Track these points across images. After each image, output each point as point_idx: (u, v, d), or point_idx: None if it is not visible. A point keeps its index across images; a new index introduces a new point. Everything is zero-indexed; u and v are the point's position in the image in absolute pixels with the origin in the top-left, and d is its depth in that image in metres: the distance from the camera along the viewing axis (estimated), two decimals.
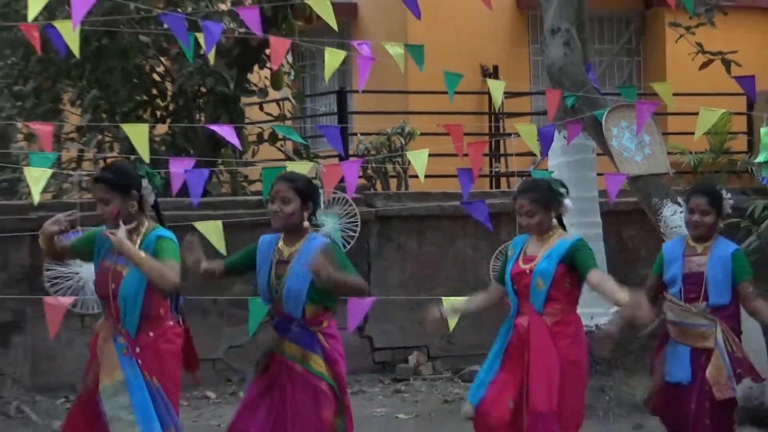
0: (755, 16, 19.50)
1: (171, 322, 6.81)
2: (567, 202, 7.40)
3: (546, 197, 7.27)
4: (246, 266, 7.28)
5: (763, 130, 10.49)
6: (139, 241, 6.75)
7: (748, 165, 16.24)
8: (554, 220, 7.34)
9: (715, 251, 7.45)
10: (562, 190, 7.43)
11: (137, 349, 6.55)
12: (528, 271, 7.08)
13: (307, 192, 7.08)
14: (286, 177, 7.38)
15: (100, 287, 6.87)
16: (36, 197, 9.75)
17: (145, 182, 6.80)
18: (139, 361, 6.51)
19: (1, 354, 13.63)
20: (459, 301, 7.74)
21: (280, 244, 7.03)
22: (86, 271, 9.13)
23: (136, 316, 6.55)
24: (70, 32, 9.30)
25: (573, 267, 7.08)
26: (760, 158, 10.64)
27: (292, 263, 6.89)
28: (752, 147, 16.80)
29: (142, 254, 6.58)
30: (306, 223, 7.06)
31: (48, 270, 8.88)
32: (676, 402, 7.34)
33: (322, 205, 7.28)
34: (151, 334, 6.64)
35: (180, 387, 6.90)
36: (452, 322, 9.34)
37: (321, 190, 7.54)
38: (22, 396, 12.68)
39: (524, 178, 14.77)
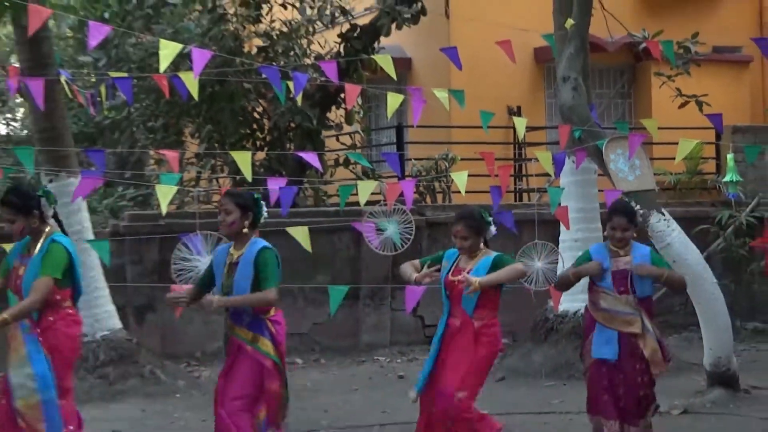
0: (722, 67, 19.34)
1: (71, 311, 6.73)
2: (492, 229, 7.40)
3: (478, 225, 7.24)
4: (211, 277, 7.13)
5: (729, 156, 10.47)
6: (39, 246, 6.66)
7: (717, 183, 16.22)
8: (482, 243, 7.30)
9: (635, 253, 7.45)
10: (490, 219, 7.40)
11: (38, 330, 6.47)
12: (458, 282, 7.00)
13: (245, 204, 7.00)
14: (228, 192, 7.46)
15: (9, 285, 6.78)
16: (164, 208, 9.81)
17: (43, 200, 6.73)
18: (40, 339, 6.43)
19: (138, 329, 13.73)
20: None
21: (231, 249, 6.95)
22: (204, 265, 9.14)
23: None
24: (191, 81, 9.35)
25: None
26: (726, 178, 10.64)
27: (239, 264, 6.82)
28: (720, 169, 16.72)
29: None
30: (246, 230, 6.93)
31: (175, 264, 8.86)
32: (605, 377, 7.26)
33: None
34: (51, 318, 6.56)
35: (73, 363, 6.86)
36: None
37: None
38: (154, 361, 12.70)
39: (541, 193, 14.78)
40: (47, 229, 6.69)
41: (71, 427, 6.63)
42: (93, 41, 10.10)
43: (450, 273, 7.14)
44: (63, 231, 6.89)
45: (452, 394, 6.89)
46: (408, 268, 7.39)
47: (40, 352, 6.42)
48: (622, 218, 7.44)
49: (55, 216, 6.92)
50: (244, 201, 6.99)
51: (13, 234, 6.79)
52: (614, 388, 7.22)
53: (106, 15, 16.21)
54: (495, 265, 7.09)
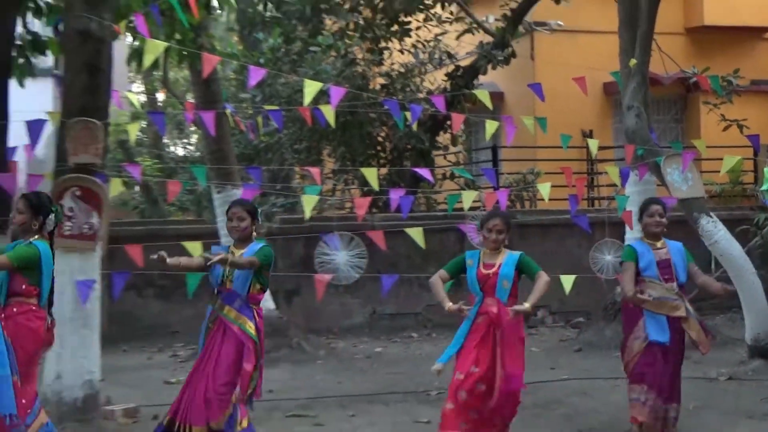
0: (759, 96, 18.97)
1: (34, 307, 6.39)
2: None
3: (510, 223, 6.97)
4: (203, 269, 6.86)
5: (765, 170, 10.34)
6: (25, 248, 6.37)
7: (755, 192, 15.91)
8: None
9: (670, 245, 7.10)
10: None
11: (2, 315, 6.17)
12: (492, 275, 6.68)
13: (254, 212, 6.85)
14: (239, 202, 7.11)
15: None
16: (308, 214, 9.91)
17: (52, 215, 6.50)
18: (2, 323, 6.04)
19: (287, 309, 13.87)
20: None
21: (232, 247, 6.77)
22: (340, 257, 9.20)
23: (3, 293, 6.25)
24: (328, 112, 9.46)
25: (521, 272, 6.75)
26: (763, 188, 10.51)
27: None
28: (757, 180, 16.40)
29: None
30: (254, 234, 6.80)
31: (317, 258, 8.94)
32: (658, 358, 6.80)
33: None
34: (15, 309, 6.32)
35: (34, 352, 6.49)
36: (567, 287, 9.36)
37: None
38: (300, 335, 12.82)
39: (609, 200, 14.64)
40: (35, 237, 6.41)
41: (29, 411, 6.33)
42: (252, 81, 10.30)
43: (480, 268, 6.74)
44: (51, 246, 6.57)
45: (521, 375, 6.63)
46: (438, 287, 6.96)
47: (1, 336, 5.97)
48: (660, 206, 7.19)
49: (51, 233, 6.58)
50: (253, 209, 6.90)
51: (15, 222, 6.55)
52: (664, 368, 6.83)
53: (261, 60, 16.44)
54: (521, 263, 6.76)
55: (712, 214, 11.18)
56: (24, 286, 6.33)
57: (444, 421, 6.56)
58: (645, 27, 12.03)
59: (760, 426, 7.90)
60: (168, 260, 6.58)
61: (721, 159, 10.87)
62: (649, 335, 6.77)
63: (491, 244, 6.75)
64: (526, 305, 6.49)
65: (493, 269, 6.71)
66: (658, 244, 7.02)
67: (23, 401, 6.16)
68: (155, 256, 6.59)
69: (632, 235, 12.20)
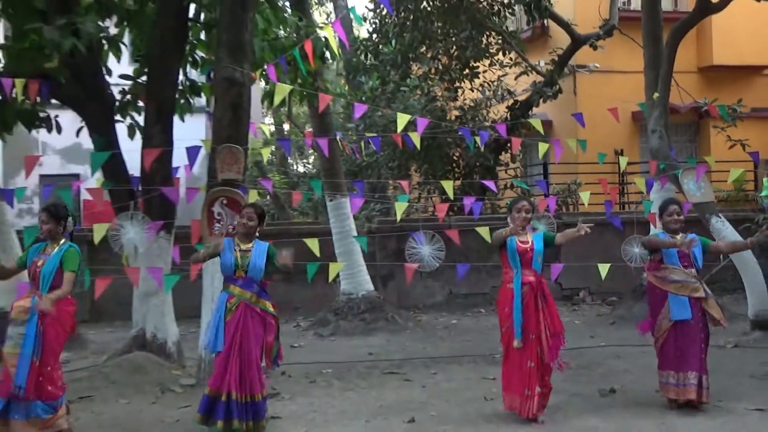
0: (758, 121, 18.49)
1: (70, 296, 6.27)
2: None
3: (533, 206, 6.93)
4: (217, 254, 6.58)
5: (764, 180, 10.28)
6: (56, 249, 6.25)
7: (755, 197, 15.61)
8: None
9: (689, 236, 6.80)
10: None
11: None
12: (529, 249, 6.61)
13: (263, 215, 6.69)
14: (251, 205, 6.88)
15: (29, 271, 6.28)
16: (399, 216, 9.97)
17: (70, 219, 6.37)
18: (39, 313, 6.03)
19: (383, 290, 13.96)
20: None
21: (237, 240, 6.50)
22: (425, 250, 9.20)
23: (47, 285, 6.08)
24: (416, 138, 9.47)
25: (546, 245, 6.73)
26: (762, 194, 10.44)
27: (252, 251, 6.40)
28: (757, 187, 16.05)
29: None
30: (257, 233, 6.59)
31: (407, 250, 8.95)
32: (683, 333, 6.59)
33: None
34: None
35: (68, 333, 6.36)
36: (603, 273, 9.26)
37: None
38: (393, 310, 12.86)
39: (637, 204, 14.41)
40: (62, 241, 6.31)
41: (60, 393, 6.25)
42: (356, 115, 10.37)
43: (518, 243, 6.62)
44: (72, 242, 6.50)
45: (562, 331, 6.67)
46: (500, 235, 6.73)
47: (35, 322, 6.02)
48: (677, 206, 7.01)
49: (71, 234, 6.50)
50: (263, 213, 6.75)
51: (42, 232, 6.35)
52: (690, 342, 6.60)
53: (363, 98, 16.55)
54: (545, 238, 6.77)
55: (720, 215, 11.10)
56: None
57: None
58: (665, 68, 11.88)
59: (761, 384, 7.79)
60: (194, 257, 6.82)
61: (728, 171, 10.75)
62: (672, 314, 6.59)
63: (522, 222, 6.65)
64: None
65: (529, 245, 6.65)
66: (678, 237, 6.80)
67: (40, 379, 6.03)
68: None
69: (655, 232, 12.08)
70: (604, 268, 9.73)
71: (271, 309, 6.45)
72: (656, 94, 11.72)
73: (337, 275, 11.43)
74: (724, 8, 12.40)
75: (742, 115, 14.85)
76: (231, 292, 6.38)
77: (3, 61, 9.41)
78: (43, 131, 9.95)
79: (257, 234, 6.59)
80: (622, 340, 10.57)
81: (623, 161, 11.30)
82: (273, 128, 29.02)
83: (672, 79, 12.05)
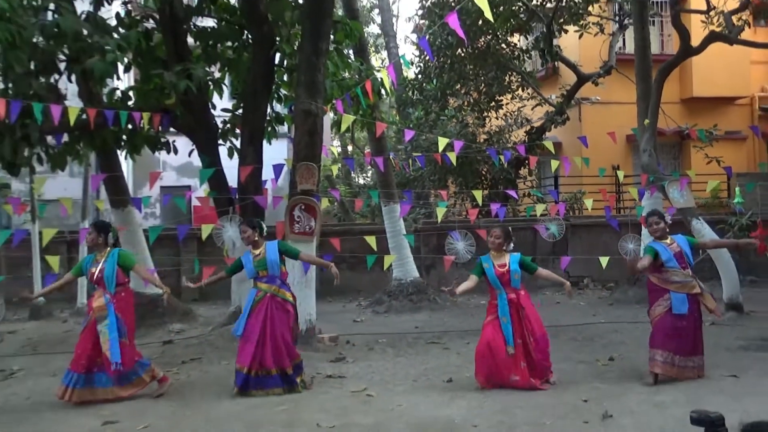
0: (730, 141, 18.08)
1: (130, 289, 6.41)
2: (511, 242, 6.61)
3: (509, 233, 6.60)
4: (239, 268, 6.60)
5: (736, 189, 10.08)
6: (105, 256, 6.29)
7: (728, 203, 15.24)
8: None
9: (678, 240, 6.49)
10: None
11: (114, 300, 6.16)
12: (506, 272, 6.29)
13: (255, 225, 6.51)
14: (247, 222, 6.71)
15: (90, 279, 6.30)
16: (439, 219, 9.97)
17: (111, 233, 6.38)
18: (114, 304, 6.14)
19: (426, 276, 13.94)
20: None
21: (252, 250, 6.46)
22: (459, 245, 9.15)
23: (113, 284, 6.15)
24: (452, 157, 9.43)
25: (523, 267, 6.38)
26: (735, 200, 10.19)
27: (265, 252, 6.36)
28: (730, 195, 15.64)
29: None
30: (258, 239, 6.48)
31: (446, 246, 8.92)
32: (680, 325, 6.22)
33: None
34: (123, 294, 6.25)
35: (133, 315, 6.43)
36: (604, 264, 9.09)
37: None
38: (435, 293, 12.80)
39: (631, 209, 14.13)
40: (107, 249, 6.33)
41: (136, 359, 6.35)
42: (406, 139, 10.38)
43: (496, 267, 6.33)
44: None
45: (545, 333, 6.35)
46: (467, 284, 6.43)
47: (113, 313, 6.11)
48: (656, 216, 6.58)
49: (115, 242, 6.55)
50: (256, 224, 6.57)
51: (89, 243, 6.38)
52: (683, 331, 6.23)
53: (410, 125, 16.56)
54: (522, 261, 6.39)
55: (700, 217, 10.81)
56: (125, 278, 6.35)
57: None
58: (654, 99, 11.67)
59: (734, 355, 7.54)
60: (199, 283, 6.80)
61: (706, 182, 10.59)
62: (673, 308, 6.25)
63: (495, 246, 6.44)
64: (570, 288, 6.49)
65: (506, 268, 6.35)
66: (668, 241, 6.48)
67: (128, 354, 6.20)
68: (185, 284, 6.83)
69: (646, 231, 11.85)
70: (604, 260, 9.63)
71: (291, 298, 6.43)
72: (647, 121, 11.52)
73: (390, 265, 11.46)
74: (702, 51, 12.17)
75: (718, 137, 14.58)
76: (259, 288, 6.39)
77: (134, 98, 9.61)
78: (163, 152, 10.13)
79: (261, 240, 6.51)
80: (619, 317, 10.39)
81: (620, 175, 11.15)
82: (339, 149, 29.20)
83: (659, 108, 11.85)
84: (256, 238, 6.48)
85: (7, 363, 8.25)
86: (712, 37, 12.06)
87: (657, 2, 18.43)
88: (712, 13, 13.48)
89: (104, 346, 6.06)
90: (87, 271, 6.35)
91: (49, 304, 12.97)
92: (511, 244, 6.59)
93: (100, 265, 6.26)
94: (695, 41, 12.37)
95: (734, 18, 12.69)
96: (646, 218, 6.89)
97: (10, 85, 7.84)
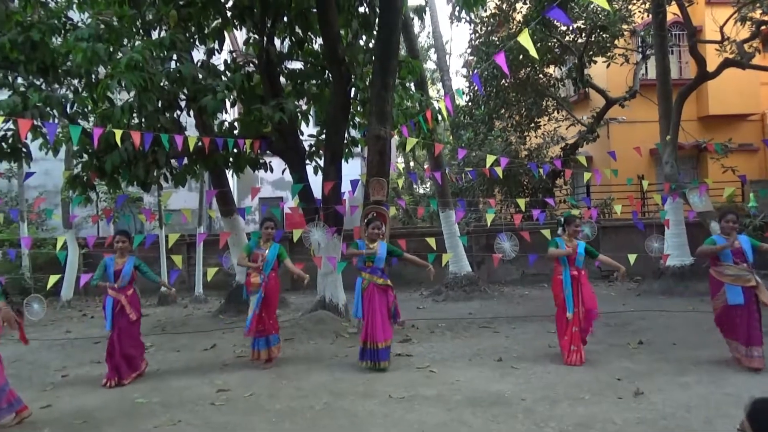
0: (744, 153, 17.17)
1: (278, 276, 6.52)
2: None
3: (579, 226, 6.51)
4: (357, 247, 6.49)
5: (750, 194, 9.46)
6: (268, 246, 6.49)
7: (743, 206, 14.42)
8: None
9: (740, 238, 6.05)
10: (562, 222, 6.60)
11: (266, 279, 6.39)
12: (573, 252, 6.24)
13: (277, 223, 6.62)
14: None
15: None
16: (488, 222, 9.77)
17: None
18: (267, 283, 6.38)
19: (477, 270, 13.67)
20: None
21: (366, 242, 6.46)
22: (506, 245, 8.97)
23: (269, 268, 6.38)
24: (500, 171, 9.25)
25: (587, 253, 6.34)
26: (749, 204, 9.55)
27: (378, 248, 6.38)
28: (744, 199, 14.81)
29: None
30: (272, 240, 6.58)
31: (495, 245, 8.76)
32: (735, 315, 5.83)
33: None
34: (273, 274, 6.46)
35: (278, 295, 6.69)
36: (632, 260, 8.74)
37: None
38: (484, 285, 12.60)
39: (654, 213, 13.57)
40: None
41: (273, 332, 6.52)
42: (459, 156, 10.27)
43: (567, 247, 6.28)
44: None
45: (596, 306, 6.31)
46: (556, 252, 6.31)
47: (261, 291, 6.40)
48: (734, 215, 6.24)
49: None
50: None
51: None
52: (741, 321, 5.81)
53: (462, 144, 16.40)
54: (586, 247, 6.34)
55: (718, 220, 10.27)
56: (278, 267, 6.55)
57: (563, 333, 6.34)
58: (675, 118, 11.24)
59: None
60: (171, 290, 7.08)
61: (722, 189, 9.99)
62: (728, 300, 5.88)
63: (574, 233, 6.41)
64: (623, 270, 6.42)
65: (573, 250, 6.30)
66: (732, 239, 6.07)
67: (270, 322, 6.48)
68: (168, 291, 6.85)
69: (669, 233, 11.37)
70: (632, 257, 9.27)
71: (391, 286, 6.43)
72: (668, 137, 11.09)
73: (447, 261, 11.35)
74: (717, 76, 11.64)
75: (732, 149, 13.90)
76: (363, 277, 6.42)
77: (238, 128, 9.85)
78: (261, 171, 10.33)
79: (382, 236, 6.60)
80: (646, 307, 9.97)
81: (645, 184, 10.68)
82: (403, 164, 29.21)
83: (679, 125, 11.38)
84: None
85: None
86: (726, 64, 11.53)
87: (675, 34, 17.71)
88: (725, 42, 12.86)
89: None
90: (254, 252, 6.60)
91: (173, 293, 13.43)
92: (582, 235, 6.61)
93: (266, 252, 6.53)
94: (711, 67, 11.84)
95: (746, 46, 12.09)
96: (723, 215, 6.39)
97: (143, 120, 8.13)
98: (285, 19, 9.63)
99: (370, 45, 9.96)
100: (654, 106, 12.43)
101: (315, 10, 9.11)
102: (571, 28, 15.21)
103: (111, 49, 7.66)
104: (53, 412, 5.20)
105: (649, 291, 11.62)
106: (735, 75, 13.48)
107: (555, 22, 14.61)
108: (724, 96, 17.44)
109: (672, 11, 13.27)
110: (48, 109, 7.75)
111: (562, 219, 6.64)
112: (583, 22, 14.94)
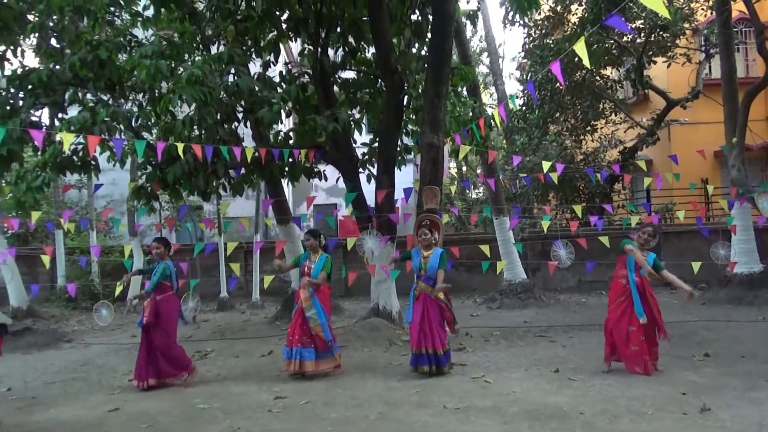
0: None
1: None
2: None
3: (656, 236, 6.33)
4: (408, 257, 6.68)
5: None
6: (317, 258, 6.48)
7: None
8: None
9: None
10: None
11: (316, 292, 6.31)
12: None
13: (319, 235, 6.65)
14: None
15: (302, 269, 6.51)
16: (545, 229, 9.58)
17: (321, 239, 6.57)
18: (317, 296, 6.31)
19: (533, 277, 13.51)
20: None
21: (311, 256, 6.59)
22: (562, 252, 8.76)
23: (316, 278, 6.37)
24: (554, 176, 9.07)
25: (654, 267, 6.11)
26: None
27: (315, 262, 6.49)
28: None
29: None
30: (320, 249, 6.62)
31: (552, 252, 8.59)
32: None
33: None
34: (323, 288, 6.39)
35: (330, 308, 6.64)
36: (696, 268, 8.39)
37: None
38: (539, 292, 12.37)
39: (719, 218, 12.97)
40: (320, 252, 6.56)
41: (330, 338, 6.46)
42: (514, 162, 10.11)
43: (638, 256, 6.05)
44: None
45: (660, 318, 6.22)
46: (631, 248, 6.12)
47: (318, 302, 6.34)
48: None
49: (325, 248, 6.75)
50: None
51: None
52: None
53: (516, 150, 16.15)
54: (654, 260, 6.11)
55: None
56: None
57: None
58: (741, 119, 10.76)
59: None
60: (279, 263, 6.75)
61: None
62: None
63: (644, 243, 6.18)
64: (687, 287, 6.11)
65: (643, 259, 6.08)
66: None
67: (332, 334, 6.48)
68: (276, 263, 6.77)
69: (735, 239, 10.85)
70: (696, 265, 8.91)
71: (443, 296, 6.39)
72: (735, 139, 10.60)
73: (502, 269, 11.20)
74: None
75: None
76: (418, 284, 6.43)
77: (293, 138, 10.03)
78: (315, 179, 10.46)
79: (320, 250, 6.62)
80: (711, 316, 9.51)
81: (709, 188, 10.24)
82: (456, 170, 29.03)
83: (746, 126, 10.86)
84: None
85: (202, 345, 8.80)
86: None
87: (742, 31, 16.92)
88: None
89: (315, 330, 6.39)
90: (302, 265, 6.66)
91: (232, 299, 13.78)
92: (652, 244, 6.34)
93: (313, 263, 6.55)
94: None
95: None
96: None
97: (203, 132, 8.39)
98: (338, 29, 9.76)
99: (423, 53, 9.96)
100: (719, 106, 11.92)
101: (367, 19, 9.20)
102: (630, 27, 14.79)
103: (173, 65, 7.96)
104: (120, 416, 5.41)
105: (714, 300, 11.09)
106: None
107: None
108: None
109: (737, 8, 12.68)
110: (115, 123, 8.11)
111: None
112: (642, 21, 14.48)
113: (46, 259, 9.05)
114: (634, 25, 14.50)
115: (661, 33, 14.71)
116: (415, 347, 6.32)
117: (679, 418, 4.67)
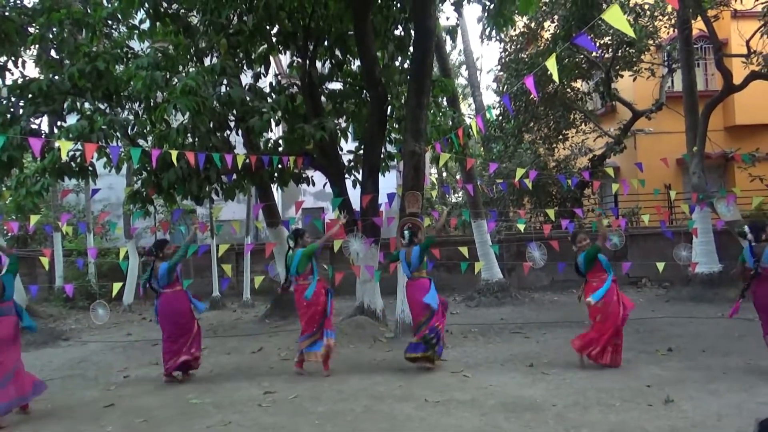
0: None
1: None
2: None
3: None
4: (396, 258, 6.75)
5: None
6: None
7: None
8: None
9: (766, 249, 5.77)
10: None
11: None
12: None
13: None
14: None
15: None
16: (522, 229, 9.62)
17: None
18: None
19: (509, 277, 13.43)
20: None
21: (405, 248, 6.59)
22: (536, 253, 8.80)
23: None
24: (528, 182, 9.12)
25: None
26: None
27: (412, 251, 6.54)
28: None
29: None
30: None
31: (527, 254, 8.63)
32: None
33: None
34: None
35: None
36: (660, 268, 8.46)
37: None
38: (514, 291, 12.39)
39: (682, 222, 13.13)
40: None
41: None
42: (491, 169, 10.13)
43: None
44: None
45: (632, 305, 6.24)
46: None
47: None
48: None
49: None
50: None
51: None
52: None
53: (493, 157, 16.21)
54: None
55: (745, 228, 9.87)
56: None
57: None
58: (701, 129, 10.93)
59: None
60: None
61: (751, 198, 9.62)
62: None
63: (580, 250, 6.36)
64: None
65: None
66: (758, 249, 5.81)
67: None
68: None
69: (696, 241, 11.00)
70: (660, 265, 9.02)
71: (424, 275, 6.47)
72: (695, 148, 10.77)
73: (480, 269, 11.24)
74: (744, 88, 11.26)
75: (760, 159, 13.39)
76: (410, 275, 6.52)
77: (282, 146, 9.98)
78: (304, 185, 10.43)
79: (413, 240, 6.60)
80: (675, 313, 9.65)
81: (672, 193, 10.40)
82: (437, 175, 29.09)
83: (706, 136, 11.04)
84: (416, 241, 6.59)
85: None
86: (753, 76, 11.15)
87: (702, 47, 17.21)
88: (752, 55, 12.44)
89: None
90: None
91: (224, 298, 13.66)
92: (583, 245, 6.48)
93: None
94: (737, 79, 11.47)
95: None
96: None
97: (197, 140, 8.33)
98: (326, 43, 9.76)
99: (405, 66, 9.99)
100: (680, 117, 12.10)
101: (353, 34, 9.20)
102: (597, 44, 14.96)
103: (168, 76, 7.90)
104: (116, 411, 5.34)
105: (677, 297, 11.25)
106: (762, 85, 12.95)
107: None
108: (751, 106, 16.81)
109: (698, 27, 12.90)
110: (112, 131, 8.02)
111: (747, 228, 6.03)
112: (609, 38, 14.66)
113: (44, 261, 8.91)
114: (602, 41, 14.67)
115: (627, 49, 14.90)
116: (418, 335, 6.27)
117: (644, 409, 4.73)
